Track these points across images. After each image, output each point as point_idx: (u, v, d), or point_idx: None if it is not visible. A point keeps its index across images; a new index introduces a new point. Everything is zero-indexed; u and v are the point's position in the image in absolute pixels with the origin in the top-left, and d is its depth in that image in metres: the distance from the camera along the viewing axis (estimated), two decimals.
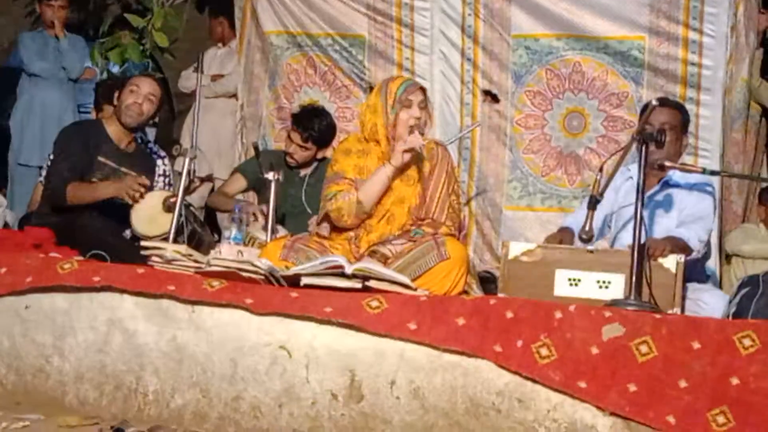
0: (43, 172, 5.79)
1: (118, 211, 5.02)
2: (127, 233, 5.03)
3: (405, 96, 4.46)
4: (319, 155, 5.72)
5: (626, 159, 4.25)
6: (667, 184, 4.48)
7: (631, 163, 4.50)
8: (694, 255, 4.23)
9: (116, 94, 5.27)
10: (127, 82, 5.29)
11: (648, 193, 4.44)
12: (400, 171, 4.49)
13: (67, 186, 5.00)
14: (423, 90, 4.52)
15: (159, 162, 5.64)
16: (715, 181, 4.84)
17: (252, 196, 5.95)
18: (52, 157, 5.36)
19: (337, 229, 4.52)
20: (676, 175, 4.47)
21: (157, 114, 5.37)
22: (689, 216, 4.37)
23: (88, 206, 4.98)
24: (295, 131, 5.64)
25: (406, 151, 4.39)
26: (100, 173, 5.14)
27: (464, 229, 4.64)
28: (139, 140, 5.75)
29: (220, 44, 7.18)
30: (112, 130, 5.25)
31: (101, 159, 5.15)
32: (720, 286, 5.14)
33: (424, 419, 3.60)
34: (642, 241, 3.81)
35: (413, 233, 4.36)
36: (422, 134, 4.43)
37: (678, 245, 4.13)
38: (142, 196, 4.90)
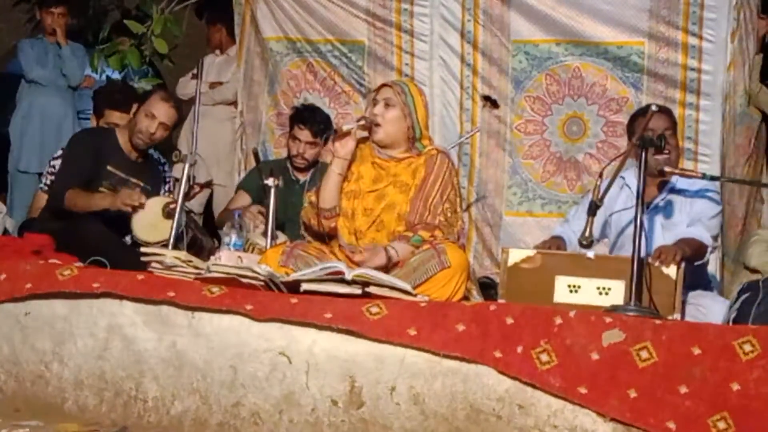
0: (43, 179, 5.79)
1: (119, 218, 5.01)
2: (128, 239, 5.02)
3: (374, 96, 4.55)
4: (321, 154, 5.78)
5: (624, 165, 4.25)
6: (672, 191, 4.48)
7: (625, 170, 4.50)
8: (709, 252, 4.23)
9: (135, 107, 5.27)
10: (148, 99, 5.26)
11: (654, 201, 4.44)
12: (352, 162, 4.50)
13: (66, 190, 5.02)
14: (395, 87, 4.53)
15: (159, 168, 5.64)
16: (717, 185, 4.83)
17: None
18: (60, 160, 5.38)
19: (324, 237, 4.54)
20: (680, 182, 4.47)
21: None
22: (697, 214, 4.37)
23: (89, 212, 4.98)
24: (301, 129, 5.66)
25: (334, 139, 4.45)
26: (108, 182, 5.15)
27: (462, 238, 4.62)
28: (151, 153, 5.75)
29: (218, 51, 7.17)
30: (123, 140, 5.28)
31: (110, 168, 5.17)
32: (722, 292, 5.13)
33: (425, 425, 3.60)
34: (642, 247, 3.81)
35: (412, 240, 4.35)
36: (366, 126, 4.44)
37: (691, 245, 4.12)
38: (141, 206, 4.88)
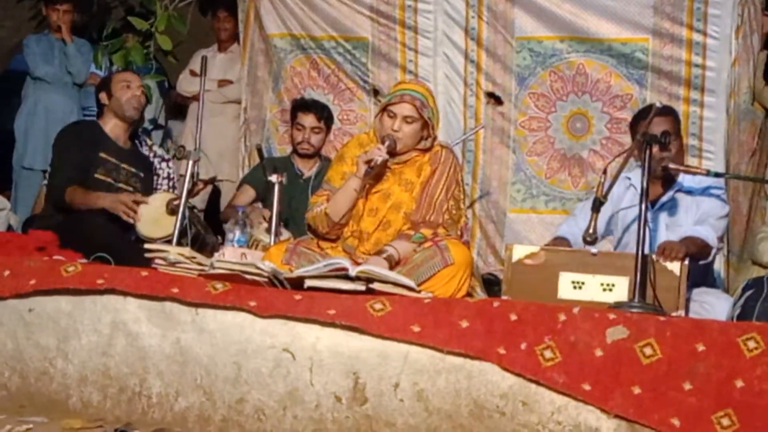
0: (48, 176, 5.83)
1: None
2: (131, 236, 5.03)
3: (390, 105, 4.43)
4: (324, 148, 5.78)
5: (629, 162, 4.25)
6: (678, 190, 4.47)
7: (631, 171, 4.50)
8: (713, 252, 4.23)
9: (102, 95, 5.36)
10: (111, 80, 5.42)
11: (659, 200, 4.44)
12: (376, 180, 4.46)
13: (67, 186, 5.05)
14: (415, 102, 4.40)
15: (163, 165, 5.64)
16: (723, 184, 4.83)
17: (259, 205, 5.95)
18: (52, 158, 5.40)
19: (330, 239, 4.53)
20: (686, 181, 4.46)
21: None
22: (704, 214, 4.36)
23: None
24: (305, 114, 5.69)
25: (365, 162, 4.36)
26: (102, 168, 5.20)
27: (466, 235, 4.61)
28: (143, 143, 5.76)
29: (215, 46, 7.10)
30: (110, 128, 5.34)
31: (103, 155, 5.21)
32: (726, 288, 5.13)
33: (428, 422, 3.60)
34: (646, 244, 3.81)
35: (414, 237, 4.34)
36: (391, 148, 4.37)
37: (696, 243, 4.12)
38: (136, 213, 4.92)
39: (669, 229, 4.38)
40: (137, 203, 4.94)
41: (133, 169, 5.28)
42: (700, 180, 4.43)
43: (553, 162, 5.83)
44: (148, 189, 5.38)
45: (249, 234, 4.86)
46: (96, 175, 5.15)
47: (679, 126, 4.57)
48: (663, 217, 4.45)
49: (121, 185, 5.23)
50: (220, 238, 5.34)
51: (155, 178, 5.65)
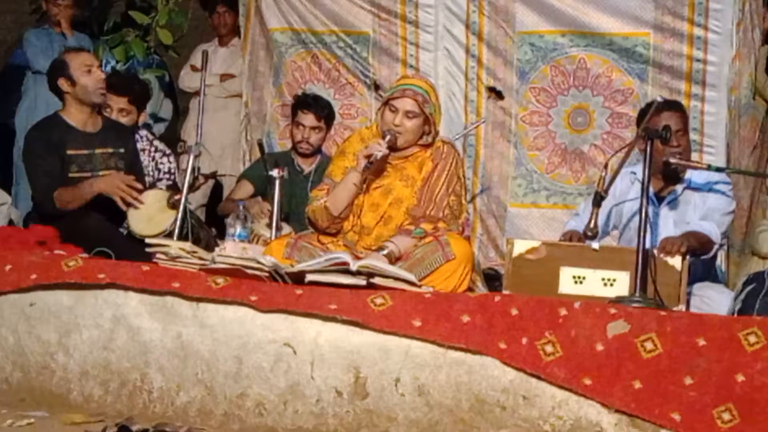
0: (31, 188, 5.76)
1: (117, 210, 4.93)
2: (123, 230, 4.97)
3: (392, 99, 4.43)
4: (324, 144, 5.77)
5: (630, 157, 4.24)
6: (687, 187, 4.46)
7: (636, 165, 4.49)
8: (715, 248, 4.23)
9: (62, 81, 5.07)
10: (69, 64, 5.10)
11: (667, 196, 4.43)
12: (377, 175, 4.46)
13: (52, 192, 4.90)
14: (416, 98, 4.40)
15: (164, 159, 5.63)
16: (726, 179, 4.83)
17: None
18: (26, 169, 5.22)
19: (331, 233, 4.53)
20: (694, 177, 4.45)
21: None
22: (710, 210, 4.36)
23: (89, 206, 4.90)
24: (305, 113, 5.67)
25: (365, 156, 4.36)
26: (75, 166, 5.02)
27: (467, 230, 4.61)
28: (146, 138, 5.73)
29: (216, 41, 7.08)
30: (73, 117, 5.08)
31: (70, 152, 5.01)
32: (727, 283, 5.13)
33: (429, 416, 3.60)
34: (647, 239, 3.81)
35: (415, 232, 4.34)
36: (392, 143, 4.37)
37: (697, 238, 4.12)
38: (137, 200, 4.82)
39: (677, 225, 4.38)
40: (133, 188, 4.80)
41: (110, 150, 5.08)
42: (708, 176, 4.42)
43: (554, 156, 5.83)
44: (134, 158, 5.22)
45: (250, 228, 4.86)
46: (70, 174, 4.98)
47: (687, 122, 4.55)
48: (671, 212, 4.45)
49: (100, 174, 5.02)
50: (214, 230, 5.34)
51: (156, 173, 5.63)
